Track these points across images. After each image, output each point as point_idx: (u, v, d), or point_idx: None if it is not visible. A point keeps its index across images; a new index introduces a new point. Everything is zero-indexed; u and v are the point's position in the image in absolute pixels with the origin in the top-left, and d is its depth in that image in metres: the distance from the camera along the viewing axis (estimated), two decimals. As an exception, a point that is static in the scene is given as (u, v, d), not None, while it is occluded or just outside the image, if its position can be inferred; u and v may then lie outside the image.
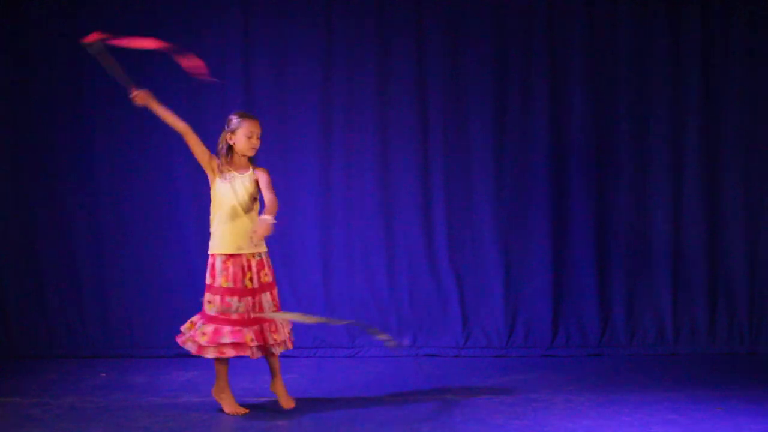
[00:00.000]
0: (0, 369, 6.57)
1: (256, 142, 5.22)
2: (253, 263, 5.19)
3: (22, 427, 4.91)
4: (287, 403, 5.30)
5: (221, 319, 5.13)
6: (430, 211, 7.27)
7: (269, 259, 5.34)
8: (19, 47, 7.14)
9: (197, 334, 5.18)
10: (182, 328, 5.30)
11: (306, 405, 5.41)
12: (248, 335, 5.11)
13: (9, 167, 7.16)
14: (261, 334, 5.17)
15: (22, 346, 7.06)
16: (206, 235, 7.14)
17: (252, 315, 5.13)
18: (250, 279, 5.17)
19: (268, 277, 5.24)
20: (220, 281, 5.15)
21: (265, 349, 5.22)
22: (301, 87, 7.22)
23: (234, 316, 5.12)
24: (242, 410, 5.21)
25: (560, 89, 7.25)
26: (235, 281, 5.13)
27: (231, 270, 5.13)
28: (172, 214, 7.19)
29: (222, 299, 5.14)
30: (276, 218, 5.09)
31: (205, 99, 7.19)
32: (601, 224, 7.26)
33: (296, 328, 7.15)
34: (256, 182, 5.24)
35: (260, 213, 5.27)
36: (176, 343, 7.08)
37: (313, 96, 7.21)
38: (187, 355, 6.94)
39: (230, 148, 5.26)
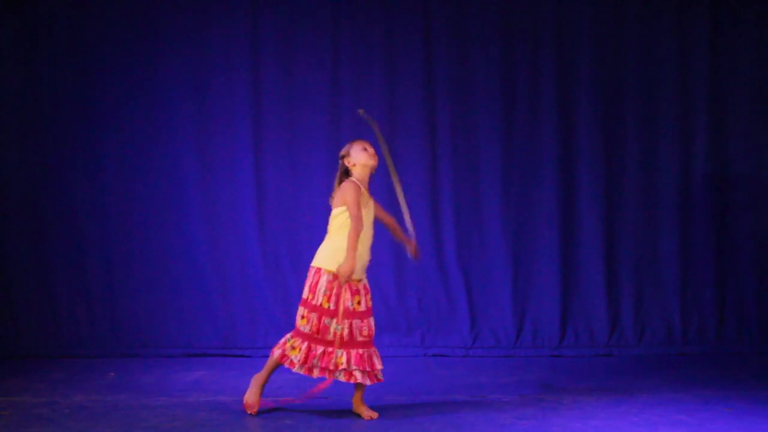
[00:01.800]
0: (9, 368, 6.59)
1: (372, 151, 5.18)
2: (361, 286, 5.11)
3: (31, 426, 4.92)
4: (368, 414, 5.11)
5: (316, 338, 5.01)
6: (438, 211, 7.27)
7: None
8: (25, 46, 7.16)
9: (287, 347, 5.05)
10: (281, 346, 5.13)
11: (313, 405, 5.41)
12: (341, 358, 4.99)
13: (17, 167, 7.18)
14: (368, 360, 5.05)
15: (31, 346, 7.08)
16: (213, 235, 7.24)
17: (360, 339, 5.03)
18: (359, 302, 5.07)
19: (371, 302, 5.16)
20: (321, 300, 5.01)
21: (372, 375, 5.07)
22: (309, 87, 7.23)
23: (330, 337, 4.99)
24: (254, 409, 5.14)
25: (567, 90, 7.25)
26: (336, 303, 5.00)
27: (335, 291, 5.01)
28: (180, 214, 7.20)
29: (319, 319, 5.01)
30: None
31: (212, 100, 7.20)
32: (609, 224, 7.26)
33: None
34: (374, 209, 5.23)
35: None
36: (184, 342, 7.15)
37: (321, 96, 7.22)
38: (194, 354, 7.01)
39: (347, 172, 5.21)
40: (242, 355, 7.08)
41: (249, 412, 5.12)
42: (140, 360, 6.95)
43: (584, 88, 7.24)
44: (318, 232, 7.19)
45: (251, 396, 5.15)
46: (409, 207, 7.22)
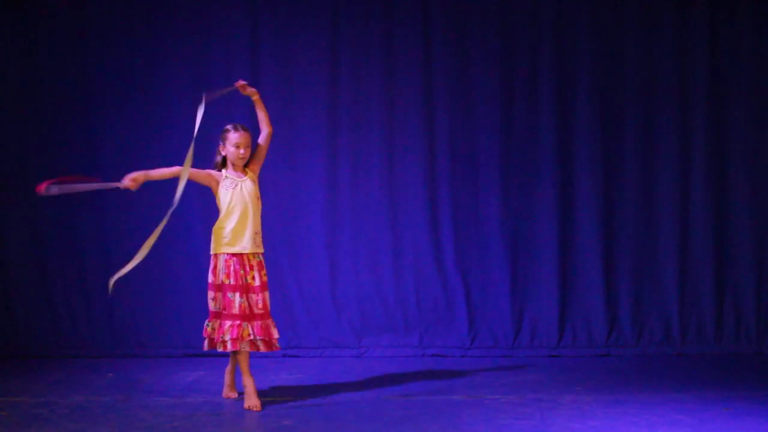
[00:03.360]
0: (7, 368, 6.59)
1: (243, 152, 5.47)
2: (255, 262, 5.43)
3: (30, 426, 4.92)
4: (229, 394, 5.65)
5: (224, 314, 5.36)
6: (437, 211, 7.27)
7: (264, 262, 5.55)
8: (25, 44, 7.16)
9: (209, 331, 5.46)
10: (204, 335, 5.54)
11: (312, 405, 5.42)
12: (246, 330, 5.33)
13: (15, 167, 7.19)
14: (266, 330, 5.40)
15: (29, 346, 7.08)
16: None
17: (257, 311, 5.37)
18: (253, 278, 5.40)
19: (266, 277, 5.48)
20: (222, 278, 5.38)
21: (270, 344, 5.43)
22: (308, 87, 7.23)
23: (235, 311, 5.33)
24: (233, 395, 5.59)
25: (567, 90, 7.25)
26: (236, 278, 5.35)
27: (233, 268, 5.36)
28: (178, 213, 7.16)
29: (224, 295, 5.36)
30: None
31: (211, 102, 7.19)
32: (608, 224, 7.26)
33: (302, 328, 7.18)
34: (254, 182, 5.52)
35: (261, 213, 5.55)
36: (182, 342, 7.16)
37: (320, 96, 7.22)
38: (193, 354, 7.01)
39: (225, 159, 5.55)
40: (241, 356, 7.07)
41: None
42: (139, 360, 6.95)
43: (583, 88, 7.24)
44: (315, 231, 7.25)
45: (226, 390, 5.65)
46: (408, 206, 7.30)
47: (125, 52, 7.19)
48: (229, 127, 5.53)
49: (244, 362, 5.37)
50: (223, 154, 5.51)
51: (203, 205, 7.16)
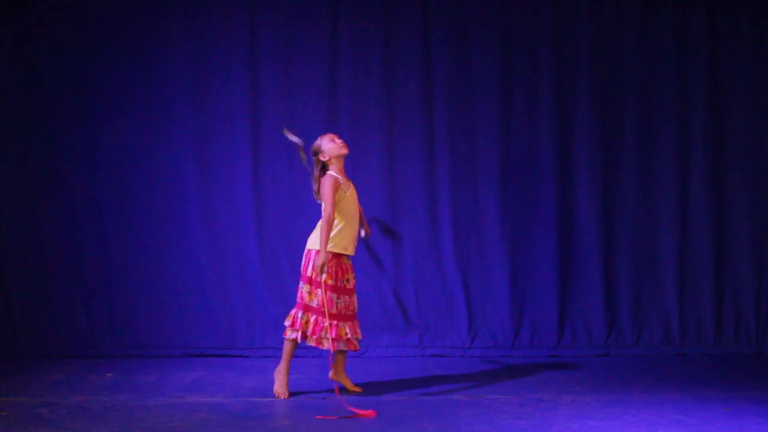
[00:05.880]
0: (7, 368, 6.59)
1: (341, 140, 5.71)
2: (348, 265, 5.74)
3: (29, 426, 4.92)
4: (353, 387, 5.81)
5: (321, 311, 5.58)
6: (436, 211, 7.27)
7: None
8: (24, 47, 7.16)
9: (300, 323, 5.60)
10: (286, 323, 5.68)
11: (312, 405, 5.41)
12: (343, 329, 5.63)
13: (15, 168, 7.18)
14: (355, 330, 5.75)
15: (29, 346, 7.09)
16: (211, 235, 7.24)
17: (347, 313, 5.67)
18: (347, 280, 5.70)
19: (355, 280, 5.79)
20: (324, 277, 5.55)
21: (355, 342, 5.75)
22: (307, 87, 7.23)
23: (334, 311, 5.59)
24: (287, 394, 5.60)
25: (566, 89, 7.25)
26: (336, 279, 5.60)
27: (334, 268, 5.60)
28: (178, 214, 7.19)
29: (324, 292, 5.56)
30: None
31: (211, 100, 7.20)
32: (608, 224, 7.26)
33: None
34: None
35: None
36: (182, 342, 7.15)
37: (320, 96, 7.22)
38: (193, 355, 7.02)
39: (324, 167, 5.69)
40: (240, 356, 7.08)
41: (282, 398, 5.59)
42: (138, 360, 6.95)
43: (583, 88, 7.24)
44: (316, 233, 7.23)
45: (279, 386, 5.64)
46: (408, 206, 7.29)
47: (125, 52, 7.19)
48: (321, 137, 5.75)
49: (290, 352, 5.64)
50: (325, 159, 5.65)
51: (202, 206, 7.17)
